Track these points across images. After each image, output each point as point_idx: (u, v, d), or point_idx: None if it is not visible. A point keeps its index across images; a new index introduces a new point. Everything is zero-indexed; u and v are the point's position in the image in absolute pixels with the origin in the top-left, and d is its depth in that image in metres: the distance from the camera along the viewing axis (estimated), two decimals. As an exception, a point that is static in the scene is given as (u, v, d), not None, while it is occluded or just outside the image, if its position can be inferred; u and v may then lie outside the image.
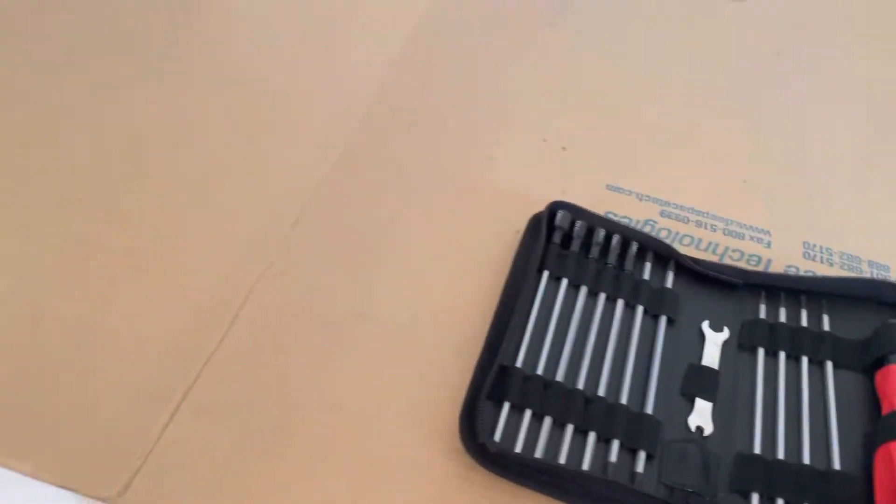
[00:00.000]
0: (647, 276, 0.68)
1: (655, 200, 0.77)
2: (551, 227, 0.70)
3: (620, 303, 0.66)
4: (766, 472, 0.56)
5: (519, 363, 0.61)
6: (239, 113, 0.81)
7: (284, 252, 0.68)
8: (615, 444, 0.57)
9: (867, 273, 0.72)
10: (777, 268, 0.72)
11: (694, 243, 0.74)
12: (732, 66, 0.94)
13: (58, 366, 0.59)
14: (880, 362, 0.61)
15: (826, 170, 0.82)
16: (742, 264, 0.72)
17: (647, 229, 0.73)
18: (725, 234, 0.75)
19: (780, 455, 0.57)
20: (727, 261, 0.72)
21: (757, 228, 0.76)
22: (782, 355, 0.63)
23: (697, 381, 0.61)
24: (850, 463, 0.57)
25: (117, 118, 0.79)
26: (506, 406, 0.58)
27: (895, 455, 0.54)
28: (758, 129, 0.86)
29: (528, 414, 0.58)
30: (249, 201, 0.73)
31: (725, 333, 0.65)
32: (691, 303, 0.67)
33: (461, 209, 0.74)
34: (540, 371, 0.60)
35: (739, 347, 0.64)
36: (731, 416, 0.60)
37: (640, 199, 0.77)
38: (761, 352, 0.64)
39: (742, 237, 0.75)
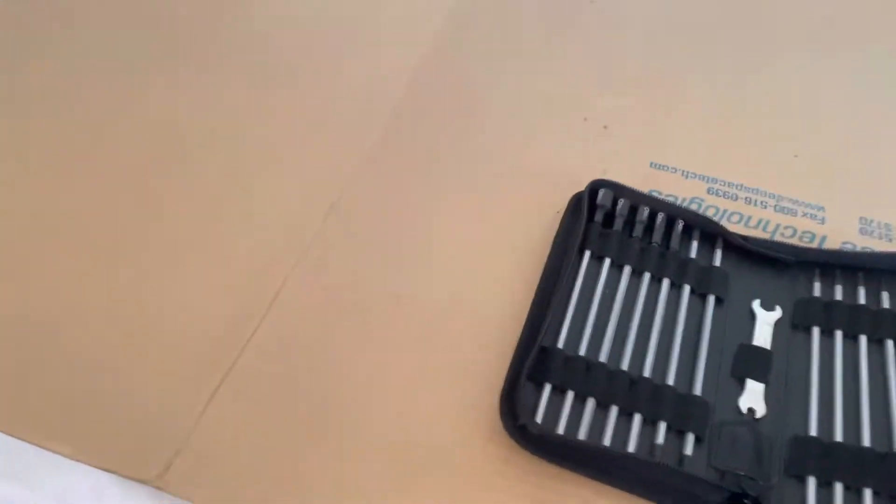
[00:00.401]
0: (693, 254, 0.66)
1: (702, 178, 0.74)
2: (593, 206, 0.68)
3: (666, 282, 0.64)
4: (823, 455, 0.53)
5: (560, 344, 0.59)
6: (276, 104, 0.81)
7: (321, 238, 0.68)
8: (662, 426, 0.55)
9: (929, 249, 0.68)
10: (832, 245, 0.69)
11: (743, 221, 0.71)
12: (780, 39, 0.90)
13: (98, 350, 0.60)
14: (944, 341, 0.58)
15: (883, 142, 0.78)
16: (795, 241, 0.69)
17: (693, 207, 0.71)
18: (776, 211, 0.72)
19: (839, 437, 0.54)
20: (778, 238, 0.69)
21: (810, 204, 0.72)
22: (839, 334, 0.60)
23: (748, 362, 0.59)
24: (914, 445, 0.54)
25: (157, 110, 0.80)
26: (547, 387, 0.56)
27: (963, 436, 0.51)
28: (809, 103, 0.82)
29: (570, 395, 0.56)
30: (286, 189, 0.72)
31: (778, 312, 0.62)
32: (741, 281, 0.64)
33: (499, 191, 0.73)
34: (582, 352, 0.59)
35: (793, 327, 0.61)
36: (785, 397, 0.57)
37: (686, 177, 0.75)
38: (816, 331, 0.61)
39: (794, 213, 0.72)
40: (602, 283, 0.63)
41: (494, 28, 0.91)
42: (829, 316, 0.61)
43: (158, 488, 0.51)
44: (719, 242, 0.66)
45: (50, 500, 0.52)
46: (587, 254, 0.65)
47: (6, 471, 0.53)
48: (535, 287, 0.63)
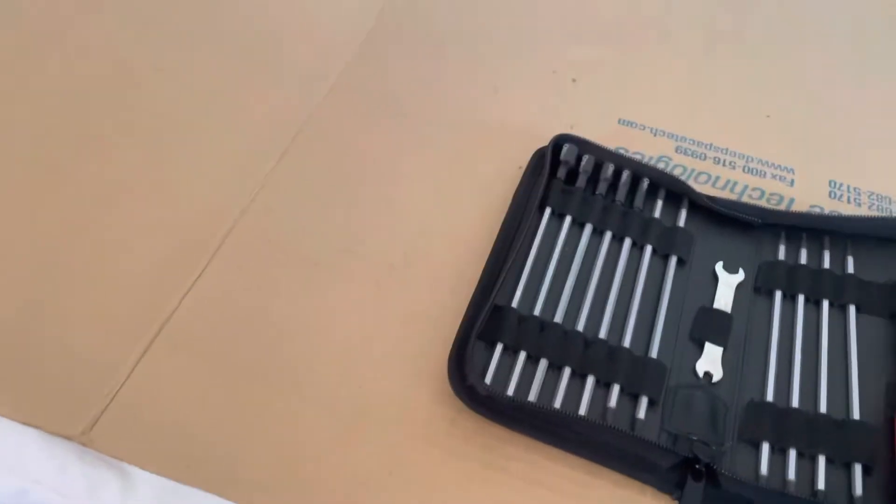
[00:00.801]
0: (657, 214, 0.63)
1: (671, 136, 0.72)
2: (556, 162, 0.65)
3: (627, 242, 0.62)
4: (777, 421, 0.52)
5: (515, 303, 0.57)
6: (227, 41, 0.77)
7: (271, 186, 0.65)
8: (615, 389, 0.53)
9: (898, 214, 0.67)
10: (800, 208, 0.67)
11: (711, 181, 0.69)
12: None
13: (23, 298, 0.56)
14: (907, 307, 0.56)
15: (855, 105, 0.76)
16: (762, 203, 0.67)
17: (660, 166, 0.68)
18: (745, 172, 0.70)
19: (795, 403, 0.53)
20: (746, 200, 0.67)
21: (780, 166, 0.70)
22: (801, 299, 0.59)
23: (708, 325, 0.57)
24: (871, 413, 0.53)
25: (97, 43, 0.75)
26: (499, 348, 0.54)
27: (921, 405, 0.50)
28: (783, 63, 0.80)
29: (522, 356, 0.54)
30: (234, 133, 0.69)
31: (741, 275, 0.60)
32: (705, 243, 0.62)
33: (461, 143, 0.70)
34: (537, 312, 0.56)
35: (755, 290, 0.60)
36: (743, 362, 0.56)
37: (655, 134, 0.72)
38: (778, 295, 0.59)
39: (763, 175, 0.70)
40: (561, 241, 0.61)
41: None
42: (793, 280, 0.60)
43: (83, 444, 0.49)
44: (685, 202, 0.64)
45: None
46: (547, 211, 0.63)
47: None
48: (492, 244, 0.61)
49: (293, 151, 0.67)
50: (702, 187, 0.67)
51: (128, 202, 0.62)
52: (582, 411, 0.52)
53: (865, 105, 0.76)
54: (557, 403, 0.52)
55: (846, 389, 0.54)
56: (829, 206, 0.67)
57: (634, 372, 0.54)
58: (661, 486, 0.50)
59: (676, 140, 0.72)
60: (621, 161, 0.65)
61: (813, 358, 0.55)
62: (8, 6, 0.78)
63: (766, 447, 0.51)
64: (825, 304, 0.58)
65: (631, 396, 0.53)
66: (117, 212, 0.62)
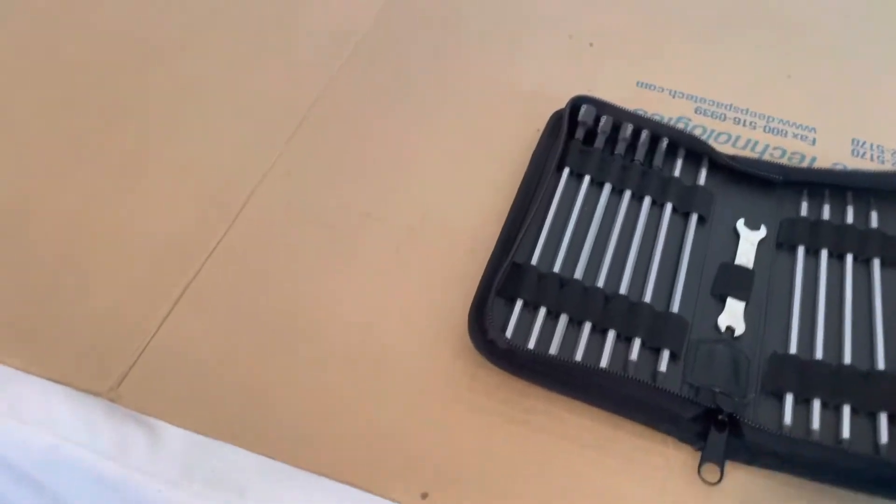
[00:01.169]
0: (677, 173, 0.63)
1: (690, 97, 0.71)
2: (574, 124, 0.65)
3: (647, 200, 0.61)
4: (801, 372, 0.51)
5: (535, 261, 0.57)
6: (247, 10, 0.77)
7: (289, 151, 0.65)
8: (637, 343, 0.53)
9: (923, 170, 0.66)
10: (823, 165, 0.66)
11: (731, 141, 0.68)
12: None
13: (51, 261, 0.57)
14: (932, 260, 0.56)
15: (877, 63, 0.75)
16: (784, 162, 0.66)
17: (679, 126, 0.68)
18: (766, 132, 0.69)
19: (819, 355, 0.53)
20: (767, 158, 0.66)
21: (801, 126, 0.70)
22: (824, 253, 0.58)
23: (729, 281, 0.57)
24: (897, 364, 0.52)
25: (123, 9, 0.76)
26: (519, 303, 0.54)
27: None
28: (803, 21, 0.79)
29: (542, 311, 0.54)
30: (254, 103, 0.69)
31: (762, 232, 0.60)
32: (726, 201, 0.62)
33: (478, 108, 0.70)
34: (557, 269, 0.56)
35: (778, 246, 0.59)
36: (766, 316, 0.55)
37: (673, 96, 0.72)
38: (801, 250, 0.59)
39: (784, 134, 0.69)
40: (581, 200, 0.61)
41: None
42: (816, 235, 0.59)
43: (112, 400, 0.50)
44: (705, 161, 0.64)
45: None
46: (566, 171, 0.63)
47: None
48: (511, 204, 0.61)
49: (311, 118, 0.68)
50: (722, 147, 0.67)
51: (153, 170, 0.63)
52: (603, 364, 0.52)
53: (887, 63, 0.75)
54: (578, 357, 0.52)
55: (871, 341, 0.53)
56: (852, 164, 0.67)
57: (655, 326, 0.54)
58: (684, 436, 0.50)
59: (696, 101, 0.71)
60: (640, 121, 0.65)
61: (837, 311, 0.55)
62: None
63: (789, 398, 0.51)
64: (849, 258, 0.58)
65: (652, 350, 0.53)
66: (144, 180, 0.63)
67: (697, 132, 0.68)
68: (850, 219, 0.60)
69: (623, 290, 0.56)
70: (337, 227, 0.60)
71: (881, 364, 0.52)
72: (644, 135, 0.64)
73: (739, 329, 0.54)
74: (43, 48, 0.73)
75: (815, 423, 0.49)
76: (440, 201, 0.63)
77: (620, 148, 0.64)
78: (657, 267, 0.57)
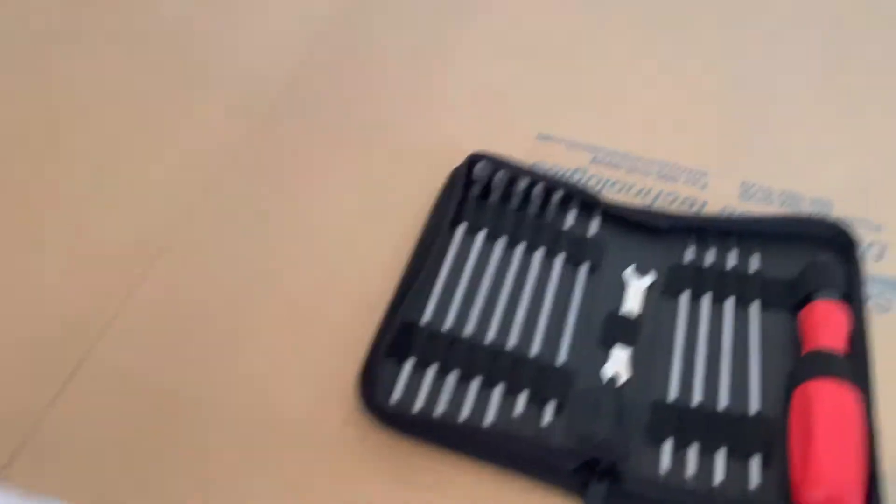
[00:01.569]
0: (569, 223, 0.65)
1: (587, 147, 0.74)
2: (470, 180, 0.67)
3: (541, 252, 0.63)
4: (679, 419, 0.53)
5: (427, 319, 0.58)
6: (152, 77, 0.79)
7: (190, 216, 0.67)
8: (522, 397, 0.55)
9: (809, 211, 0.69)
10: (713, 209, 0.69)
11: (625, 189, 0.71)
12: (673, 9, 0.90)
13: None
14: (807, 301, 0.58)
15: (769, 106, 0.79)
16: (674, 208, 0.69)
17: (576, 177, 0.70)
18: (659, 178, 0.72)
19: (697, 401, 0.55)
20: (660, 205, 0.69)
21: (693, 170, 0.72)
22: (707, 298, 0.60)
23: (615, 329, 0.59)
24: (772, 406, 0.54)
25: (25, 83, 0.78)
26: (409, 363, 0.56)
27: (811, 395, 0.51)
28: (697, 69, 0.83)
29: (431, 370, 0.55)
30: (159, 165, 0.71)
31: (650, 278, 0.62)
32: (617, 250, 0.64)
33: (383, 164, 0.72)
34: (448, 326, 0.58)
35: (663, 293, 0.61)
36: (650, 363, 0.57)
37: (572, 148, 0.74)
38: (685, 295, 0.61)
39: (676, 180, 0.72)
40: (475, 255, 0.63)
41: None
42: (699, 280, 0.61)
43: (3, 478, 0.50)
44: (597, 211, 0.66)
45: None
46: (463, 226, 0.64)
47: None
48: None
49: (213, 177, 0.69)
50: (616, 195, 0.69)
51: (48, 243, 0.64)
52: (490, 420, 0.53)
53: (778, 105, 0.79)
54: (466, 413, 0.54)
55: (746, 384, 0.55)
56: (742, 207, 0.69)
57: (540, 378, 0.55)
58: (568, 488, 0.51)
59: (593, 151, 0.74)
60: (533, 175, 0.67)
61: (715, 355, 0.57)
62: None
63: (668, 445, 0.52)
64: (729, 301, 0.60)
65: (540, 403, 0.55)
66: (36, 256, 0.64)
67: (593, 182, 0.71)
68: (732, 263, 0.62)
69: (512, 342, 0.58)
70: (234, 294, 0.62)
71: (756, 406, 0.54)
72: (538, 187, 0.66)
73: (623, 377, 0.56)
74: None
75: (691, 469, 0.51)
76: (340, 261, 0.64)
77: (515, 201, 0.66)
78: (546, 318, 0.59)
